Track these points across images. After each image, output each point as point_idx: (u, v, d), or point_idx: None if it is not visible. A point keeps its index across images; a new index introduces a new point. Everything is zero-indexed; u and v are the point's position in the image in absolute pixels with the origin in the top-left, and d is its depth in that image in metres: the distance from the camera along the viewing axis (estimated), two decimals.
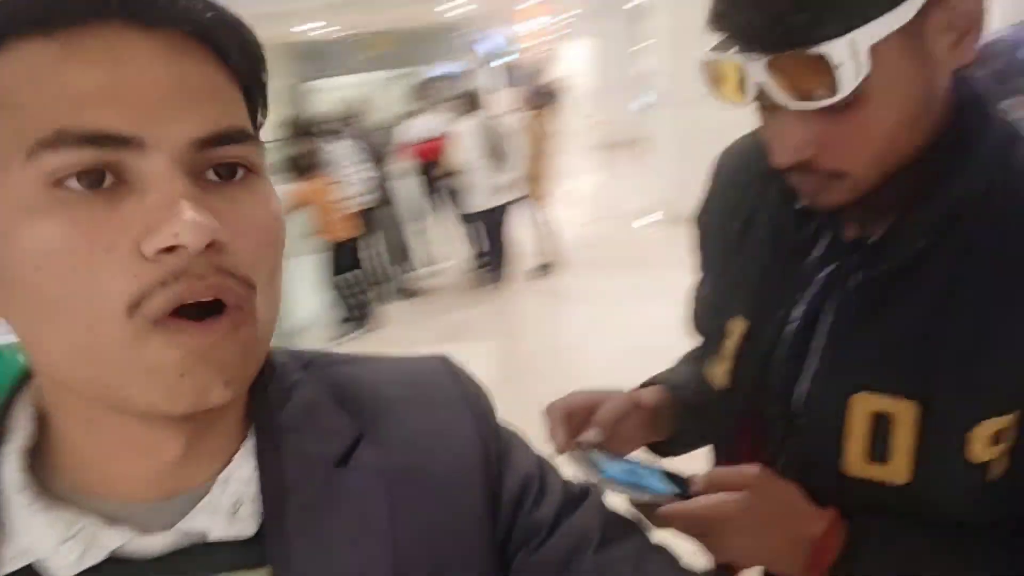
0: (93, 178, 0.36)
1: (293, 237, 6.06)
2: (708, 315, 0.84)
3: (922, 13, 0.54)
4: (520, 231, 5.69)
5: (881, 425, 0.64)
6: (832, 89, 0.56)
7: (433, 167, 6.06)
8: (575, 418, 0.76)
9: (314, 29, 15.36)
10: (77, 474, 0.44)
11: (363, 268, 5.22)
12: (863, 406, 0.65)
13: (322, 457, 0.47)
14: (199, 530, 0.43)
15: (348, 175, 5.31)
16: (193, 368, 0.38)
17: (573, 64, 14.97)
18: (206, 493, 0.44)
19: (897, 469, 0.64)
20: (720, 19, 0.60)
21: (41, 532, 0.41)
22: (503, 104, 7.35)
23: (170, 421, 0.41)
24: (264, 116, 0.46)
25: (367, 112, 6.51)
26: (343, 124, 5.69)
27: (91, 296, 0.36)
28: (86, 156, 0.36)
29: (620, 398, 0.80)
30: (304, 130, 5.17)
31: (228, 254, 0.39)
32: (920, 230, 0.63)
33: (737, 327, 0.77)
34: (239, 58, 0.42)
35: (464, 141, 5.15)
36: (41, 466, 0.44)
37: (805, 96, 0.57)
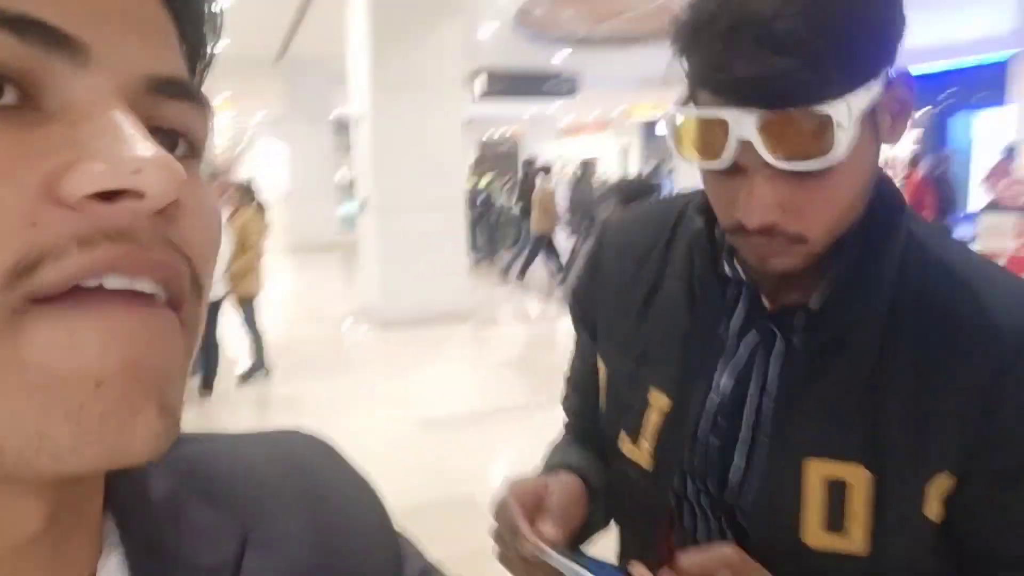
0: (20, 95, 0.24)
1: None
2: (619, 389, 0.81)
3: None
4: (227, 333, 5.23)
5: (835, 493, 0.65)
6: (827, 151, 0.57)
7: None
8: (528, 510, 0.70)
9: None
10: None
11: None
12: (817, 472, 0.66)
13: (201, 568, 0.35)
14: None
15: None
16: (114, 378, 0.24)
17: (268, 165, 14.71)
18: None
19: (854, 538, 0.65)
20: (716, 71, 0.58)
21: None
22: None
23: (29, 485, 0.26)
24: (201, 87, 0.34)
25: None
26: None
27: None
28: (7, 49, 0.24)
29: (564, 482, 0.74)
30: None
31: (178, 229, 0.27)
32: (859, 302, 0.66)
33: (658, 400, 0.76)
34: (192, 21, 0.33)
35: None
36: None
37: (795, 156, 0.57)
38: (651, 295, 0.79)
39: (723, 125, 0.59)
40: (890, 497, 0.64)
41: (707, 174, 0.65)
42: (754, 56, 0.55)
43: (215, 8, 0.34)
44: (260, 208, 5.48)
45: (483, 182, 12.02)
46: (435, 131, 6.59)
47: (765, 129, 0.57)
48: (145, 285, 0.26)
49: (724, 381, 0.73)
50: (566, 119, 23.03)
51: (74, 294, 0.24)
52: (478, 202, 11.09)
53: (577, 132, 24.54)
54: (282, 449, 0.44)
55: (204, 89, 0.32)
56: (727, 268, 0.74)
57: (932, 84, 12.75)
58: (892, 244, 0.67)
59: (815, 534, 0.66)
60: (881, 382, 0.65)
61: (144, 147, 0.25)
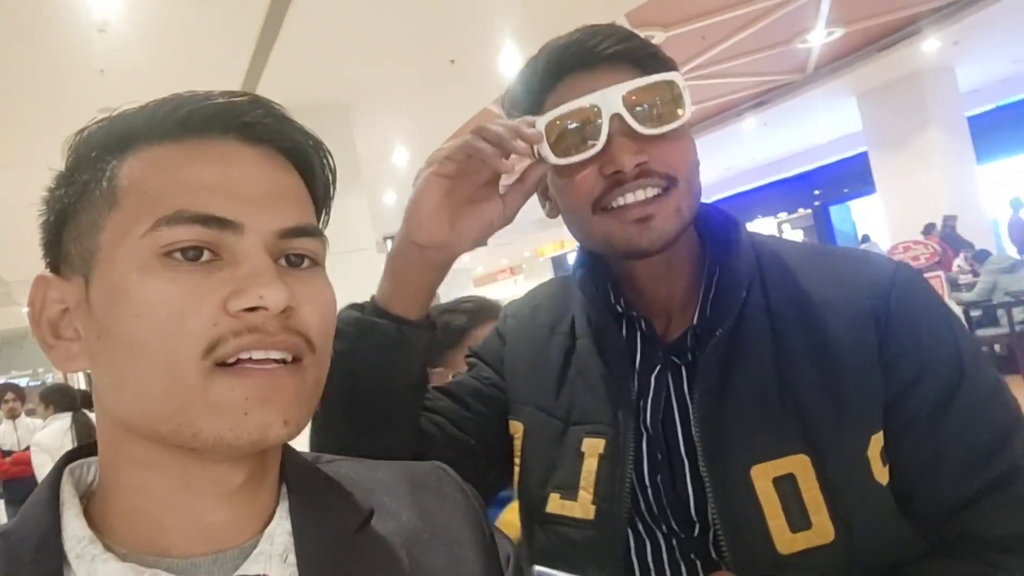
0: (194, 254, 0.46)
1: None
2: (546, 449, 0.81)
3: None
4: None
5: (788, 489, 0.67)
6: (677, 114, 0.71)
7: (20, 484, 4.92)
8: None
9: None
10: (135, 535, 0.48)
11: None
12: (763, 476, 0.68)
13: (342, 525, 0.53)
14: (258, 574, 0.48)
15: None
16: (256, 407, 0.45)
17: None
18: (252, 549, 0.49)
19: (821, 529, 0.66)
20: (579, 55, 0.74)
21: None
22: None
23: (231, 457, 0.47)
24: (326, 224, 0.56)
25: None
26: None
27: (175, 339, 0.44)
28: (196, 233, 0.45)
29: None
30: None
31: (296, 319, 0.47)
32: (725, 312, 0.72)
33: (592, 446, 0.76)
34: (319, 175, 0.55)
35: (51, 449, 4.30)
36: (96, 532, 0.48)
37: (657, 122, 0.70)
38: (568, 357, 0.83)
39: (594, 110, 0.70)
40: (837, 473, 0.67)
41: (569, 170, 0.73)
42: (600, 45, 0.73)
43: (330, 175, 0.56)
44: None
45: None
46: (355, 293, 6.62)
47: (630, 98, 0.70)
48: (275, 354, 0.46)
49: (649, 419, 0.76)
50: (477, 269, 23.73)
51: (237, 363, 0.45)
52: None
53: (491, 279, 25.20)
54: (404, 467, 0.62)
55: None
56: (617, 307, 0.80)
57: (807, 183, 13.97)
58: (737, 247, 0.76)
59: (785, 539, 0.67)
60: (786, 373, 0.70)
61: (268, 282, 0.45)
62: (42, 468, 4.25)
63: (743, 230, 0.78)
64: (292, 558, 0.49)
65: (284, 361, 0.46)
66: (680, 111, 0.72)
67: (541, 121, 0.72)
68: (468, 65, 5.35)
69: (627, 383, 0.77)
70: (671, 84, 0.72)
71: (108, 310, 0.46)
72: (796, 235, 13.70)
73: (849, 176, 12.79)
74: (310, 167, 0.54)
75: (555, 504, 0.77)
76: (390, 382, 0.75)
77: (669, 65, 0.76)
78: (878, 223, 10.96)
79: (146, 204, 0.46)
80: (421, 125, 6.83)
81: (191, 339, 0.44)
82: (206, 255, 0.46)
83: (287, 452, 0.55)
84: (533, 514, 0.80)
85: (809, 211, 14.44)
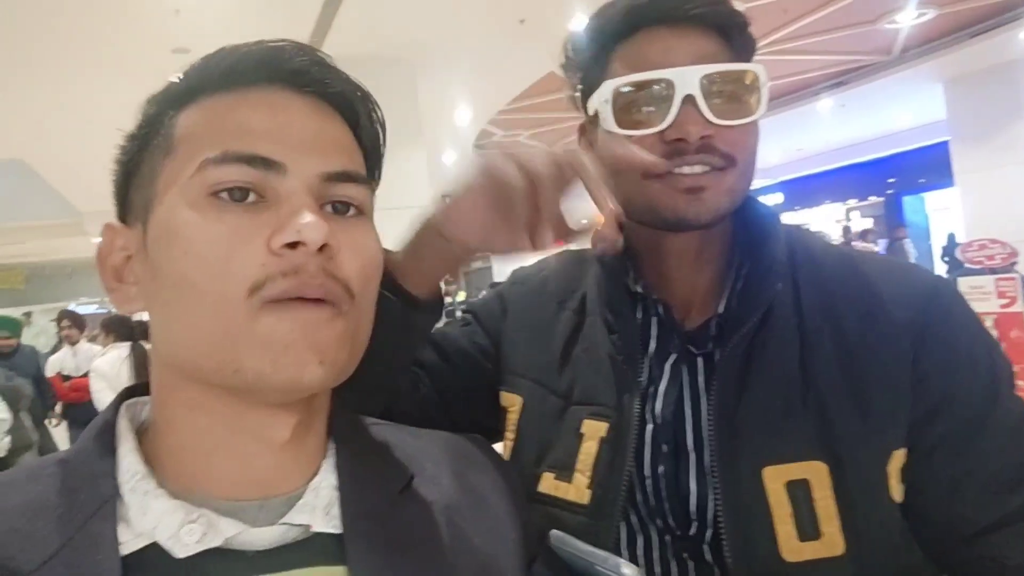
0: (240, 194, 0.47)
1: None
2: (541, 426, 0.78)
3: None
4: None
5: (800, 494, 0.64)
6: (756, 107, 0.69)
7: (79, 409, 5.18)
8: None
9: None
10: (184, 474, 0.49)
11: None
12: (776, 478, 0.65)
13: (386, 485, 0.54)
14: (303, 523, 0.49)
15: None
16: (295, 344, 0.46)
17: None
18: (298, 498, 0.50)
19: (831, 541, 0.64)
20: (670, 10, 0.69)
21: (163, 516, 0.47)
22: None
23: (276, 405, 0.49)
24: (377, 181, 0.57)
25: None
26: None
27: (222, 278, 0.45)
28: (242, 172, 0.47)
29: None
30: None
31: (336, 264, 0.48)
32: (755, 304, 0.69)
33: (594, 429, 0.74)
34: (366, 125, 0.55)
35: (108, 376, 4.50)
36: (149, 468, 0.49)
37: (729, 112, 0.68)
38: (574, 334, 0.80)
39: (669, 86, 0.67)
40: (853, 485, 0.64)
41: (629, 143, 0.69)
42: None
43: (379, 127, 0.56)
44: None
45: (459, 296, 12.28)
46: None
47: (708, 82, 0.67)
48: (315, 294, 0.47)
49: (658, 407, 0.72)
50: None
51: (279, 301, 0.46)
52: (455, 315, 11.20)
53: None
54: (447, 438, 0.63)
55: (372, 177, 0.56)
56: (635, 287, 0.76)
57: (881, 170, 13.41)
58: (773, 240, 0.73)
59: (793, 548, 0.64)
60: (811, 374, 0.67)
61: (307, 218, 0.46)
62: (99, 394, 4.40)
63: (780, 223, 0.75)
64: (336, 511, 0.50)
65: (323, 303, 0.47)
66: (756, 105, 0.69)
67: (607, 86, 0.70)
68: (537, 26, 5.26)
69: (637, 368, 0.74)
70: (753, 75, 0.69)
71: (161, 250, 0.48)
72: (865, 223, 13.21)
73: (926, 166, 12.21)
74: (356, 117, 0.54)
75: (548, 484, 0.75)
76: (382, 355, 0.69)
77: (753, 44, 0.73)
78: (953, 217, 10.48)
79: (196, 147, 0.48)
80: (485, 85, 6.78)
81: (237, 278, 0.45)
82: (252, 197, 0.47)
83: (337, 408, 0.56)
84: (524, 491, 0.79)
85: (881, 200, 13.88)
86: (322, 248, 0.46)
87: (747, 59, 0.72)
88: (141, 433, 0.52)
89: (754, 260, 0.72)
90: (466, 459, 0.61)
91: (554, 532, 0.64)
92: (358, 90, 0.54)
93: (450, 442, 0.62)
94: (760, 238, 0.73)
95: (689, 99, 0.66)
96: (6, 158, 7.42)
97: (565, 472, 0.74)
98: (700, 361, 0.72)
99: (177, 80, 0.52)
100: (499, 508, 0.58)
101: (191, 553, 0.46)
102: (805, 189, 13.84)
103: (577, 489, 0.73)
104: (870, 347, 0.67)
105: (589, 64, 0.74)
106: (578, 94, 0.77)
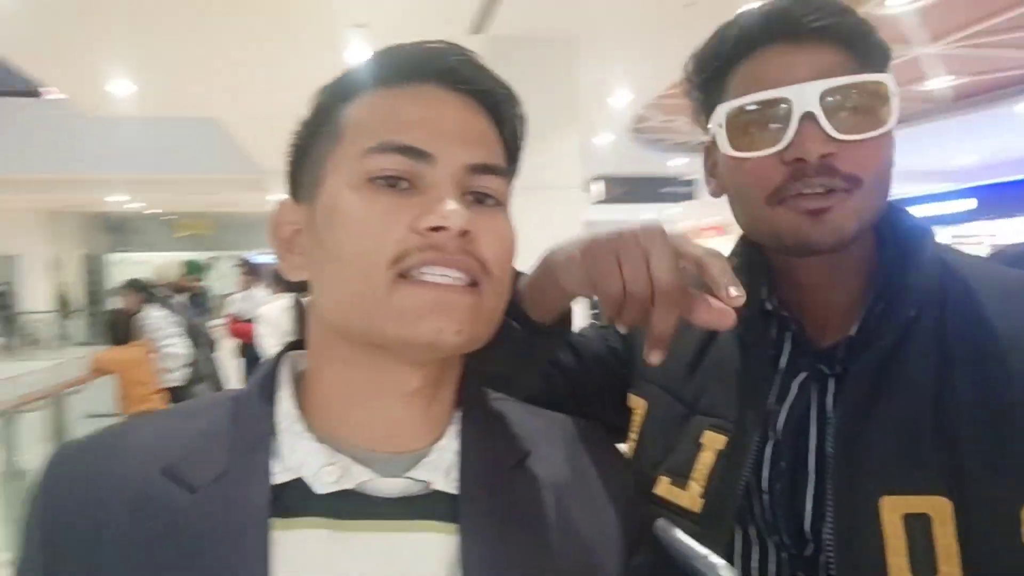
0: (394, 181, 0.54)
1: (79, 416, 5.28)
2: (665, 430, 0.78)
3: None
4: None
5: (919, 529, 0.61)
6: (881, 119, 0.65)
7: (251, 348, 5.73)
8: None
9: (121, 202, 14.74)
10: (330, 421, 0.56)
11: None
12: (893, 509, 0.62)
13: (501, 458, 0.58)
14: (425, 479, 0.55)
15: (166, 347, 4.87)
16: (432, 314, 0.51)
17: None
18: (423, 457, 0.56)
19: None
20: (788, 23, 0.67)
21: (308, 456, 0.54)
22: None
23: (411, 360, 0.55)
24: (515, 174, 0.62)
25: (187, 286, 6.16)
26: (172, 291, 5.33)
27: (369, 251, 0.52)
28: (396, 161, 0.53)
29: None
30: (140, 291, 4.81)
31: (475, 245, 0.53)
32: (888, 328, 0.66)
33: (712, 440, 0.74)
34: (509, 125, 0.60)
35: (271, 322, 4.91)
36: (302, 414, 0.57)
37: (853, 127, 0.64)
38: (706, 345, 0.79)
39: (785, 105, 0.64)
40: (980, 527, 0.60)
41: (744, 171, 0.68)
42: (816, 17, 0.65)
43: (518, 124, 0.61)
44: None
45: None
46: (557, 231, 6.72)
47: (828, 97, 0.63)
48: (452, 274, 0.52)
49: (780, 423, 0.70)
50: (684, 223, 22.98)
51: (418, 277, 0.52)
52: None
53: (695, 236, 24.38)
54: (564, 420, 0.66)
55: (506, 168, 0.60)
56: (768, 304, 0.74)
57: None
58: (918, 259, 0.68)
59: None
60: (947, 403, 0.63)
61: (451, 205, 0.52)
62: (262, 338, 4.79)
63: (931, 242, 0.71)
64: (455, 474, 0.56)
65: (463, 282, 0.53)
66: (885, 116, 0.66)
67: (721, 109, 0.68)
68: (705, 10, 5.07)
69: (764, 385, 0.73)
70: (879, 85, 0.65)
71: (324, 225, 0.55)
72: None
73: None
74: (500, 114, 0.59)
75: (663, 488, 0.76)
76: (502, 379, 0.70)
77: (883, 52, 0.69)
78: None
79: (359, 137, 0.55)
80: (647, 68, 6.65)
81: (381, 251, 0.51)
82: (404, 184, 0.53)
83: (468, 378, 0.62)
84: (640, 492, 0.79)
85: None
86: (463, 234, 0.52)
87: (878, 69, 0.68)
88: (298, 381, 0.60)
89: (894, 281, 0.69)
90: (581, 444, 0.64)
91: (660, 520, 0.65)
92: (504, 88, 0.60)
93: (567, 425, 0.66)
94: (903, 257, 0.69)
95: (808, 116, 0.64)
96: (202, 116, 8.23)
97: (681, 478, 0.75)
98: (831, 381, 0.70)
99: (343, 74, 0.59)
100: (606, 497, 0.61)
101: (329, 491, 0.53)
102: (1002, 197, 12.46)
103: (691, 496, 0.73)
104: (1018, 380, 0.62)
105: (709, 86, 0.73)
106: (701, 116, 0.76)
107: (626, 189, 12.31)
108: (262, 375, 0.60)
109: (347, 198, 0.53)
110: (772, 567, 0.72)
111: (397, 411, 0.56)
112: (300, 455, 0.54)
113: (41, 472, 0.55)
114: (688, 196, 13.09)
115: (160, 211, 16.38)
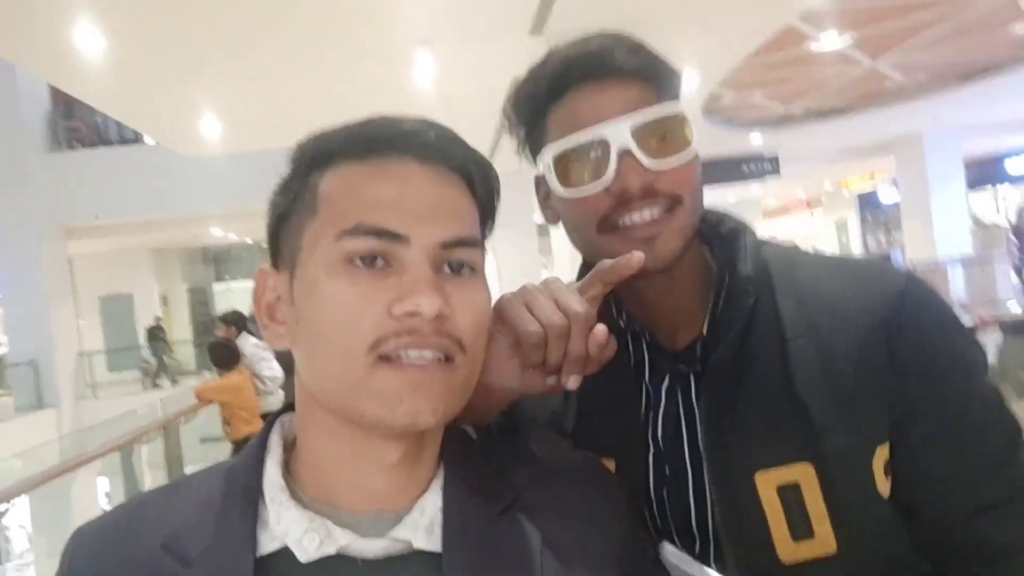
0: (370, 260, 0.55)
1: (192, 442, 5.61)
2: None
3: None
4: None
5: (792, 497, 0.68)
6: (685, 142, 0.71)
7: None
8: None
9: (220, 235, 15.56)
10: (316, 484, 0.58)
11: None
12: (767, 483, 0.69)
13: (487, 506, 0.59)
14: (404, 539, 0.56)
15: (264, 371, 5.11)
16: (408, 396, 0.53)
17: None
18: (406, 514, 0.57)
19: (823, 539, 0.68)
20: (592, 82, 0.72)
21: (292, 523, 0.55)
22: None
23: (390, 436, 0.56)
24: (491, 231, 0.64)
25: None
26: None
27: (348, 335, 0.53)
28: (371, 244, 0.55)
29: None
30: (236, 322, 5.08)
31: (449, 323, 0.55)
32: (733, 320, 0.73)
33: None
34: (481, 189, 0.61)
35: None
36: (290, 478, 0.59)
37: (665, 153, 0.70)
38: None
39: (603, 144, 0.70)
40: (840, 484, 0.68)
41: (574, 203, 0.73)
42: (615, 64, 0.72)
43: (493, 188, 0.62)
44: None
45: None
46: None
47: (639, 131, 0.70)
48: (427, 355, 0.54)
49: (661, 432, 0.76)
50: (771, 199, 22.22)
51: (394, 359, 0.53)
52: None
53: (783, 211, 23.50)
54: (557, 456, 0.67)
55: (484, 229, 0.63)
56: (620, 322, 0.79)
57: None
58: (744, 253, 0.76)
59: (788, 548, 0.68)
60: (794, 381, 0.70)
61: (424, 291, 0.53)
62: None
63: (750, 236, 0.78)
64: (437, 530, 0.57)
65: (438, 359, 0.54)
66: (689, 139, 0.72)
67: (547, 152, 0.74)
68: None
69: (635, 398, 0.77)
70: (679, 114, 0.73)
71: (304, 302, 0.56)
72: None
73: None
74: (473, 182, 0.60)
75: None
76: None
77: (676, 80, 0.76)
78: None
79: (335, 216, 0.55)
80: (713, 46, 6.48)
81: (361, 336, 0.53)
82: (380, 262, 0.55)
83: (450, 430, 0.62)
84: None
85: None
86: (437, 316, 0.53)
87: (674, 96, 0.75)
88: (290, 444, 0.62)
89: (729, 277, 0.75)
90: (572, 477, 0.64)
91: (666, 546, 0.67)
92: (475, 157, 0.61)
93: (559, 459, 0.67)
94: (732, 253, 0.76)
95: (624, 151, 0.69)
96: (287, 147, 8.58)
97: None
98: (692, 379, 0.75)
99: (320, 136, 0.60)
100: (597, 528, 0.61)
101: (312, 558, 0.54)
102: None
103: None
104: (847, 347, 0.70)
105: (529, 126, 0.78)
106: (527, 152, 0.81)
107: (708, 171, 11.95)
108: (257, 441, 0.61)
109: (324, 281, 0.54)
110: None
111: (379, 480, 0.57)
112: (284, 524, 0.55)
113: (64, 554, 0.58)
114: (772, 171, 12.65)
115: (257, 240, 17.22)
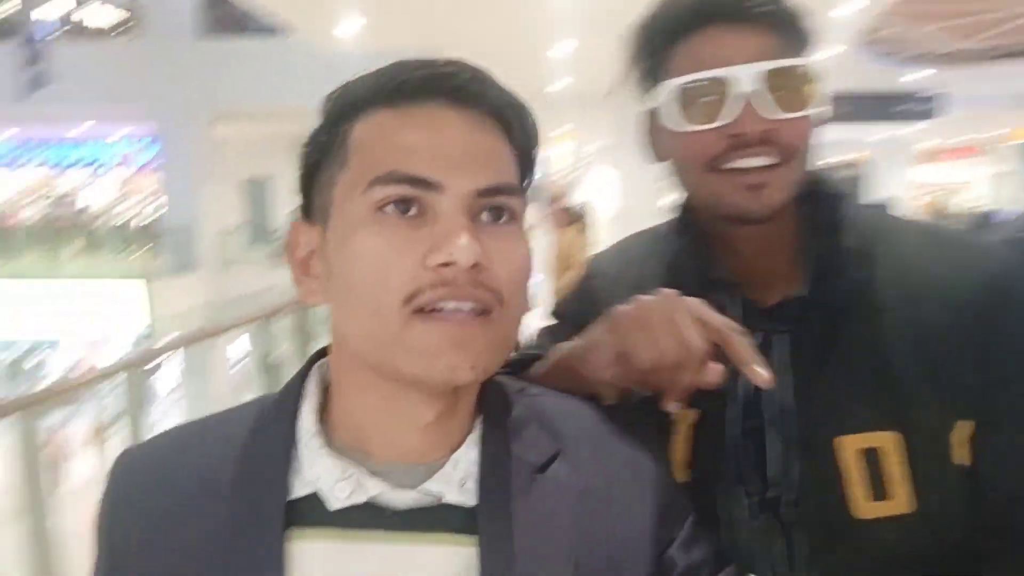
0: (404, 207, 0.53)
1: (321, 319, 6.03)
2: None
3: None
4: None
5: (872, 461, 0.71)
6: (811, 98, 0.73)
7: None
8: None
9: None
10: (350, 434, 0.58)
11: None
12: (851, 447, 0.71)
13: (526, 462, 0.58)
14: (436, 492, 0.56)
15: None
16: (447, 351, 0.52)
17: (596, 190, 15.44)
18: (441, 467, 0.57)
19: (900, 501, 0.70)
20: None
21: (324, 471, 0.55)
22: (528, 220, 7.53)
23: (427, 393, 0.55)
24: (531, 181, 0.61)
25: None
26: None
27: (381, 289, 0.52)
28: (404, 190, 0.53)
29: None
30: None
31: (487, 274, 0.52)
32: (834, 289, 0.74)
33: (684, 416, 0.77)
34: (519, 134, 0.59)
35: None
36: (324, 425, 0.58)
37: (788, 105, 0.72)
38: None
39: (728, 83, 0.71)
40: (921, 453, 0.70)
41: (688, 140, 0.75)
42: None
43: (531, 134, 0.60)
44: (583, 228, 5.86)
45: None
46: None
47: (767, 78, 0.71)
48: (464, 306, 0.52)
49: (740, 387, 0.76)
50: (923, 143, 20.34)
51: (431, 312, 0.52)
52: None
53: (938, 158, 21.52)
54: (598, 412, 0.65)
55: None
56: (712, 272, 0.79)
57: None
58: (844, 220, 0.77)
59: (863, 507, 0.71)
60: (886, 349, 0.72)
61: (460, 240, 0.50)
62: None
63: (850, 204, 0.79)
64: (470, 484, 0.56)
65: (476, 312, 0.52)
66: (815, 96, 0.73)
67: (666, 86, 0.75)
68: None
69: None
70: (809, 68, 0.74)
71: (336, 255, 0.55)
72: None
73: None
74: (509, 126, 0.58)
75: None
76: None
77: (811, 37, 0.77)
78: None
79: (366, 165, 0.54)
80: None
81: (393, 290, 0.51)
82: (413, 209, 0.53)
83: (489, 383, 0.60)
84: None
85: None
86: (474, 267, 0.51)
87: (805, 53, 0.76)
88: (326, 390, 0.60)
89: (828, 245, 0.76)
90: (614, 437, 0.63)
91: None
92: (512, 101, 0.58)
93: (601, 416, 0.65)
94: (831, 218, 0.77)
95: (746, 96, 0.71)
96: (426, 47, 8.65)
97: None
98: (787, 339, 0.76)
99: (349, 85, 0.58)
100: (637, 490, 0.61)
101: (342, 506, 0.54)
102: None
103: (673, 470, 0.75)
104: (942, 319, 0.71)
105: (650, 59, 0.78)
106: (641, 88, 0.81)
107: (852, 107, 11.14)
108: (293, 384, 0.61)
109: (356, 231, 0.53)
110: (742, 512, 0.76)
111: (413, 437, 0.57)
112: (316, 470, 0.55)
113: (106, 479, 0.60)
114: (927, 115, 11.58)
115: None
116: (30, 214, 15.90)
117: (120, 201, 16.71)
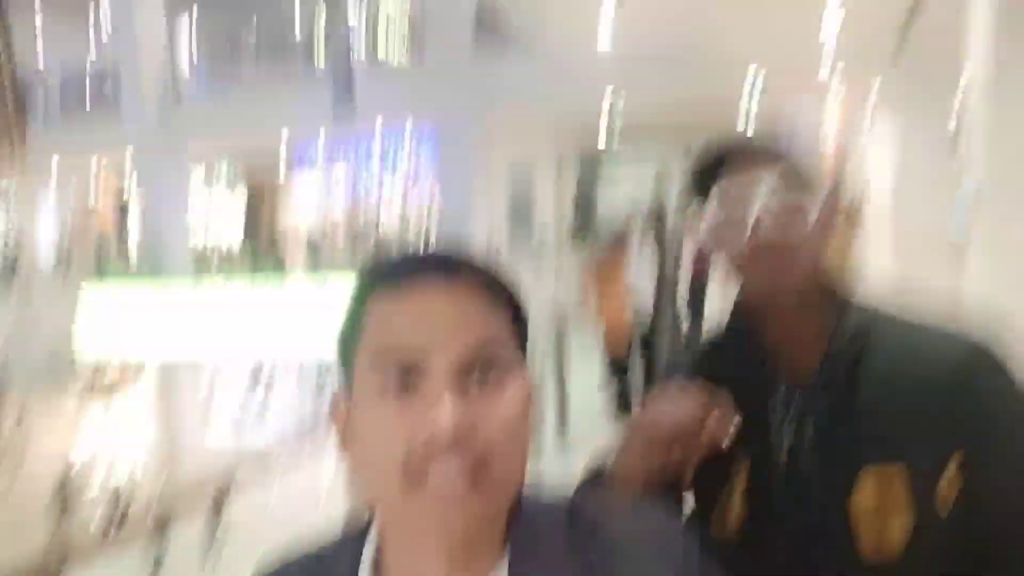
0: (398, 383, 0.57)
1: None
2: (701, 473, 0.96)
3: None
4: None
5: (883, 487, 0.86)
6: (806, 199, 0.91)
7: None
8: None
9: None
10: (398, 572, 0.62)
11: None
12: (857, 490, 0.87)
13: None
14: None
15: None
16: (436, 523, 0.57)
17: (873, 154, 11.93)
18: None
19: (894, 542, 0.85)
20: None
21: None
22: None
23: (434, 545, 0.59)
24: (525, 334, 0.65)
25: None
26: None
27: (381, 459, 0.57)
28: (393, 367, 0.57)
29: None
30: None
31: (472, 437, 0.56)
32: (843, 367, 0.91)
33: (740, 469, 0.95)
34: (505, 292, 0.63)
35: None
36: (377, 567, 0.64)
37: (787, 218, 0.89)
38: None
39: (746, 210, 0.90)
40: (917, 482, 0.85)
41: (724, 226, 0.92)
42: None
43: (517, 290, 0.64)
44: (852, 222, 5.31)
45: None
46: None
47: (769, 208, 0.89)
48: (452, 468, 0.55)
49: (788, 439, 0.94)
50: None
51: (421, 482, 0.55)
52: None
53: None
54: (639, 530, 0.67)
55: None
56: (760, 359, 0.97)
57: None
58: (857, 314, 0.93)
59: (872, 544, 0.86)
60: (878, 398, 0.89)
61: (441, 415, 0.54)
62: None
63: (858, 307, 0.94)
64: None
65: (463, 471, 0.55)
66: (807, 193, 0.93)
67: (707, 208, 0.95)
68: None
69: (764, 412, 0.96)
70: (804, 198, 0.92)
71: (352, 420, 0.61)
72: None
73: None
74: (495, 287, 0.62)
75: (705, 519, 1.00)
76: None
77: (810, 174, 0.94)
78: None
79: (371, 340, 0.59)
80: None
81: (391, 461, 0.56)
82: (408, 383, 0.57)
83: (522, 506, 0.63)
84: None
85: None
86: (458, 431, 0.55)
87: (806, 182, 0.94)
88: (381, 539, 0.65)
89: (844, 338, 0.92)
90: (646, 549, 0.64)
91: None
92: (493, 273, 0.62)
93: (637, 529, 0.67)
94: (845, 321, 0.93)
95: (760, 216, 0.90)
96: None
97: (719, 509, 0.98)
98: (802, 400, 0.93)
99: (374, 262, 0.65)
100: None
101: None
102: None
103: (733, 519, 0.97)
104: (914, 408, 0.86)
105: (700, 187, 0.96)
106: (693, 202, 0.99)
107: None
108: (354, 534, 0.67)
109: (367, 406, 0.58)
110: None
111: (438, 572, 0.60)
112: None
113: None
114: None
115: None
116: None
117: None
